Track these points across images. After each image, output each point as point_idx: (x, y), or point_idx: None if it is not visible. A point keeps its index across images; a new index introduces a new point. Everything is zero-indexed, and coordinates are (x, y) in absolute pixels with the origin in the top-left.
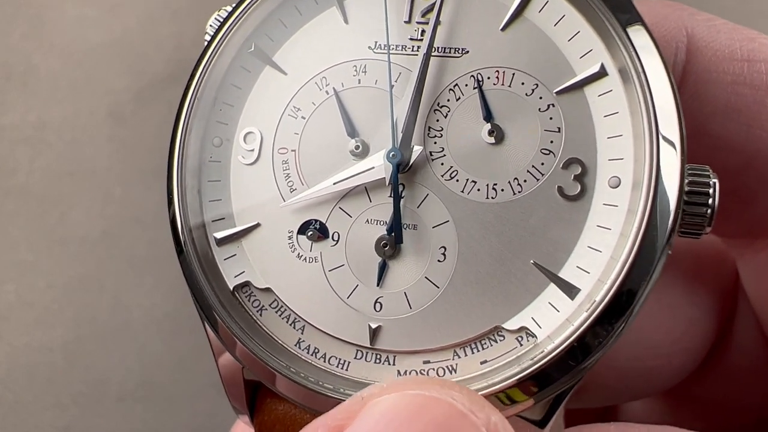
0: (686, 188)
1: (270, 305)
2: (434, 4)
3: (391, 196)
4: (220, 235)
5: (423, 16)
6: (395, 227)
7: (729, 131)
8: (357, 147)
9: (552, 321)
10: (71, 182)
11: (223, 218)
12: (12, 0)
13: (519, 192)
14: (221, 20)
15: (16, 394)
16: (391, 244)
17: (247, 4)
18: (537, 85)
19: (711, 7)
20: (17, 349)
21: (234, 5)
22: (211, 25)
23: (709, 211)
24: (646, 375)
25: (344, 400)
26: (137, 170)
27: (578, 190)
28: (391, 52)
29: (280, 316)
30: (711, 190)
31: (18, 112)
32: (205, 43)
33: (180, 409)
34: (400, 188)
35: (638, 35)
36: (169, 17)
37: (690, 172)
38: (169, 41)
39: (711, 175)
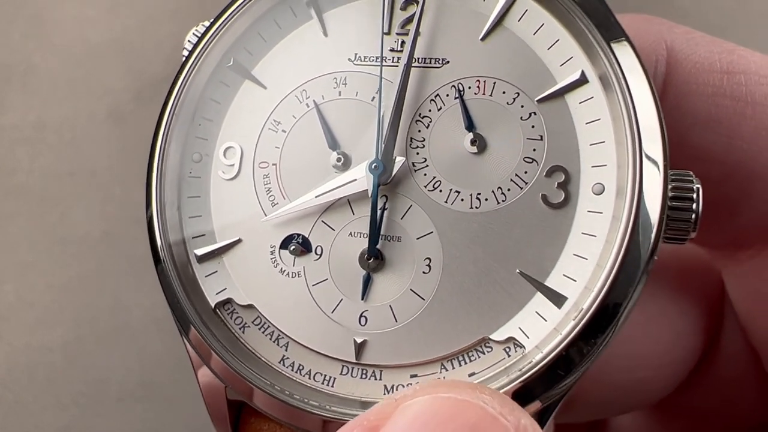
0: (670, 194)
1: (253, 322)
2: (413, 15)
3: None
4: (200, 251)
5: (402, 27)
6: (370, 239)
7: (710, 142)
8: (339, 159)
9: (540, 330)
10: (71, 182)
11: (204, 234)
12: (12, 0)
13: (503, 201)
14: (199, 35)
15: (16, 394)
16: (375, 256)
17: (225, 18)
18: (518, 93)
19: (711, 8)
20: (17, 349)
21: (211, 21)
22: (189, 41)
23: (693, 216)
24: (635, 387)
25: (331, 417)
26: (137, 170)
27: (562, 198)
28: (371, 63)
29: (263, 333)
30: (695, 195)
31: (18, 112)
32: (183, 59)
33: (180, 409)
34: (383, 200)
35: (618, 43)
36: (169, 17)
37: (673, 177)
38: (169, 41)
39: (694, 181)
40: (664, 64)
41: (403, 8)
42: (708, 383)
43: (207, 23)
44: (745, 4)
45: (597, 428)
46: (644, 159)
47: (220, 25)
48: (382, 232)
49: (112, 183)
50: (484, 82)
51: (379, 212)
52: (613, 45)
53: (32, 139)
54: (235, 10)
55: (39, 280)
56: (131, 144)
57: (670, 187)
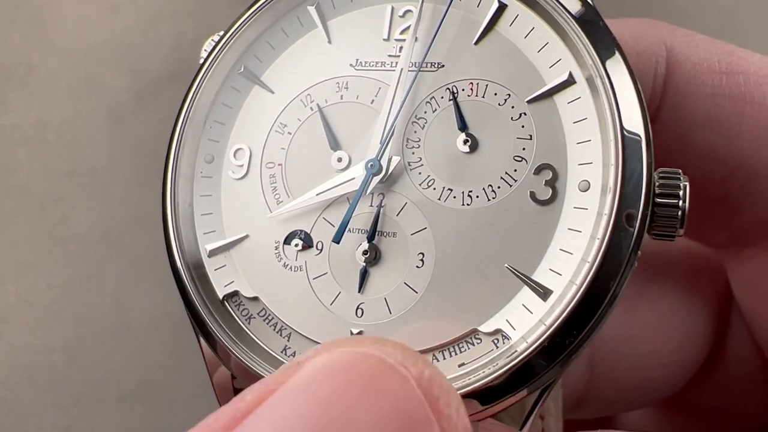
0: (657, 191)
1: (258, 313)
2: (410, 24)
3: (372, 205)
4: (210, 246)
5: (400, 33)
6: (340, 227)
7: (710, 142)
8: (339, 159)
9: (525, 322)
10: (71, 182)
11: (214, 231)
12: (12, 0)
13: (493, 198)
14: (214, 43)
15: (16, 394)
16: (372, 251)
17: (237, 28)
18: (509, 95)
19: (711, 8)
20: (17, 349)
21: (227, 29)
22: (205, 50)
23: (679, 213)
24: (644, 385)
25: None
26: (137, 170)
27: (549, 195)
28: (371, 68)
29: (267, 324)
30: (681, 193)
31: (18, 112)
32: (199, 66)
33: (180, 409)
34: (381, 197)
35: (605, 50)
36: (169, 17)
37: (661, 175)
38: (169, 41)
39: (682, 179)
40: (663, 65)
41: (402, 16)
42: (714, 381)
43: (222, 33)
44: (745, 4)
45: (604, 424)
46: (627, 157)
47: (232, 34)
48: (378, 228)
49: (112, 183)
50: (477, 84)
51: (375, 209)
52: (602, 54)
53: (32, 139)
54: (245, 20)
55: (39, 280)
56: (131, 144)
57: (656, 184)
